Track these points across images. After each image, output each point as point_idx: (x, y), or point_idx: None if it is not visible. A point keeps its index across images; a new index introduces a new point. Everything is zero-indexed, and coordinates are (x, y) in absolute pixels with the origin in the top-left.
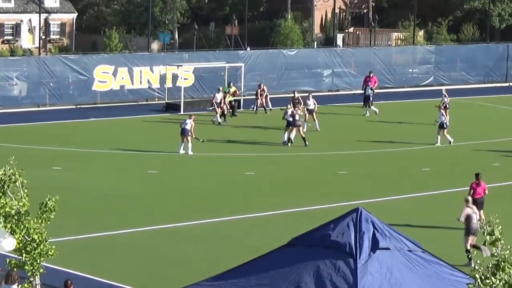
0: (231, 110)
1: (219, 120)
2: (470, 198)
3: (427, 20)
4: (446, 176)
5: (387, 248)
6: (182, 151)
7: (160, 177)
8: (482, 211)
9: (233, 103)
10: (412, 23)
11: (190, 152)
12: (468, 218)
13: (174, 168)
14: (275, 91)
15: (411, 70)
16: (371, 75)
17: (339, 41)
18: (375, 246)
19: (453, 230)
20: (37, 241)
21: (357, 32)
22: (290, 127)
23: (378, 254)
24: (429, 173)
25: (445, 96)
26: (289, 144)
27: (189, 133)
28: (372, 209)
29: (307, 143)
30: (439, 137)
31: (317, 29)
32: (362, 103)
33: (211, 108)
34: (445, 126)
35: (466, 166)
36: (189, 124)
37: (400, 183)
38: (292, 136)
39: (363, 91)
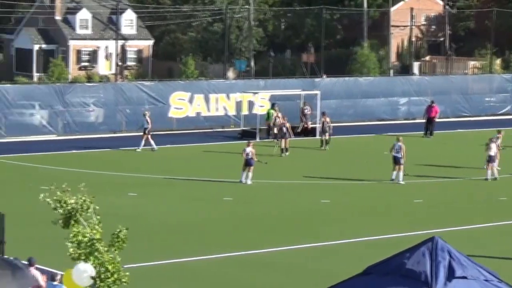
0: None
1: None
2: None
3: (504, 48)
4: None
5: (464, 277)
6: (249, 182)
7: (235, 204)
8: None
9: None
10: (489, 52)
11: (249, 182)
12: None
13: (249, 195)
14: (352, 118)
15: (487, 99)
16: (433, 104)
17: (415, 69)
18: (451, 275)
19: None
20: (111, 271)
21: (434, 60)
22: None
23: (454, 283)
24: (506, 202)
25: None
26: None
27: (254, 163)
28: (447, 238)
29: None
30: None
31: (393, 57)
32: (423, 131)
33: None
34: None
35: None
36: (251, 153)
37: (476, 212)
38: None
39: (425, 120)
